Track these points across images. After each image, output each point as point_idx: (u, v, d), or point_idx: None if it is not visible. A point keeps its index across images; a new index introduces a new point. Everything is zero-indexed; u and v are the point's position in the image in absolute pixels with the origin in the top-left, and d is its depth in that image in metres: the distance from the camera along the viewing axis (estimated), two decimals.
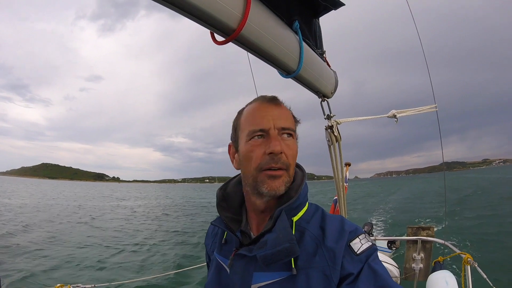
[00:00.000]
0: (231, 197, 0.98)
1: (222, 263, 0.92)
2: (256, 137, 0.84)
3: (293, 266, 0.77)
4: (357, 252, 0.78)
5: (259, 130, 0.84)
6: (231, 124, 0.96)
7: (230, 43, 0.95)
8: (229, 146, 0.96)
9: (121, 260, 9.52)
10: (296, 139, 0.91)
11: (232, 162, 0.94)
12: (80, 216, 20.96)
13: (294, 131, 0.88)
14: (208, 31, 0.95)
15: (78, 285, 2.51)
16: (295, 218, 0.85)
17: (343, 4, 1.29)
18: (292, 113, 0.92)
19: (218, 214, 0.96)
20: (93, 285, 2.59)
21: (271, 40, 1.02)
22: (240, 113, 0.93)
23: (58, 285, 2.44)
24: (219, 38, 0.94)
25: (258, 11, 0.95)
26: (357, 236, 0.81)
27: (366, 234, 0.84)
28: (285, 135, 0.85)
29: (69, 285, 2.46)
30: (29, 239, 12.16)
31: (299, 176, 0.91)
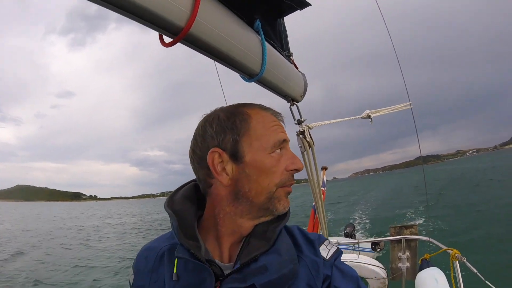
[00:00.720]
0: (182, 216, 0.76)
1: None
2: (278, 150, 0.76)
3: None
4: (327, 258, 0.79)
5: (283, 141, 0.77)
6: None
7: (181, 46, 0.84)
8: (214, 152, 0.73)
9: None
10: None
11: (216, 174, 0.72)
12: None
13: None
14: (157, 34, 0.84)
15: None
16: None
17: (309, 4, 1.21)
18: None
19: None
20: None
21: (228, 39, 0.92)
22: (242, 114, 0.76)
23: None
24: (168, 39, 0.83)
25: (210, 7, 0.85)
26: (322, 243, 0.82)
27: (328, 240, 0.85)
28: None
29: None
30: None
31: None
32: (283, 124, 0.82)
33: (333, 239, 3.98)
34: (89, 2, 0.65)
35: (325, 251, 0.81)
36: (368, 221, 15.74)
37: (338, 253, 0.82)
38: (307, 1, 1.18)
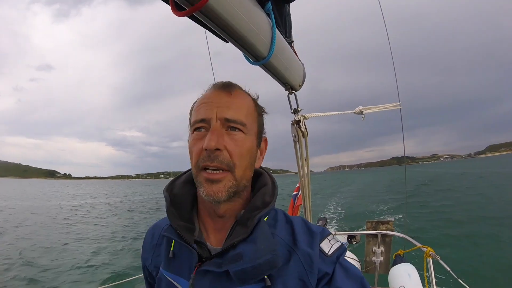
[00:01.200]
0: (180, 199, 0.80)
1: (174, 282, 0.76)
2: (197, 130, 0.72)
3: (265, 277, 0.68)
4: (329, 253, 0.75)
5: (200, 120, 0.71)
6: (186, 117, 0.80)
7: (191, 21, 0.80)
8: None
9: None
10: (259, 133, 0.79)
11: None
12: None
13: (244, 124, 0.73)
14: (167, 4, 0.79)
15: None
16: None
17: None
18: (253, 102, 0.80)
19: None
20: None
21: (242, 17, 0.89)
22: (193, 104, 0.79)
23: None
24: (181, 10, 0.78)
25: None
26: (326, 238, 0.78)
27: (332, 234, 0.81)
28: (231, 129, 0.71)
29: None
30: None
31: (267, 178, 0.82)
32: (228, 97, 0.74)
33: None
34: None
35: (328, 246, 0.77)
36: (342, 214, 16.15)
37: (342, 249, 0.78)
38: None
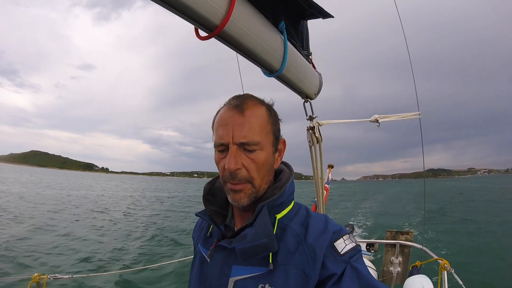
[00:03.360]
0: (218, 191, 0.97)
1: (204, 255, 0.92)
2: (219, 151, 0.84)
3: (270, 261, 0.78)
4: (341, 253, 0.77)
5: (220, 144, 0.83)
6: None
7: (214, 39, 0.96)
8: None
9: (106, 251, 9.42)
10: (275, 140, 0.88)
11: None
12: None
13: (258, 143, 0.81)
14: (193, 26, 0.96)
15: (55, 275, 2.49)
16: (278, 216, 0.85)
17: (332, 16, 1.30)
18: (267, 111, 0.87)
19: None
20: (70, 275, 2.58)
21: (255, 38, 1.03)
22: (215, 116, 0.89)
23: (36, 274, 2.42)
24: (203, 34, 0.95)
25: (242, 9, 0.97)
26: (341, 237, 0.80)
27: (350, 234, 0.83)
28: (247, 150, 0.81)
29: (46, 274, 2.44)
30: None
31: (286, 174, 0.91)
32: (242, 118, 0.82)
33: None
34: None
35: (342, 246, 0.79)
36: (369, 223, 15.86)
37: (356, 250, 0.79)
38: (329, 13, 1.28)
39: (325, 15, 1.29)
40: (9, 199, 20.90)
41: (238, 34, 0.97)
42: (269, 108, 0.89)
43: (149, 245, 10.58)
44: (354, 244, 0.80)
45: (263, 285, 0.77)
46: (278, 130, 0.90)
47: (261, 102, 0.89)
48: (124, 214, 17.84)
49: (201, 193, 0.97)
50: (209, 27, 0.90)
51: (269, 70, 1.26)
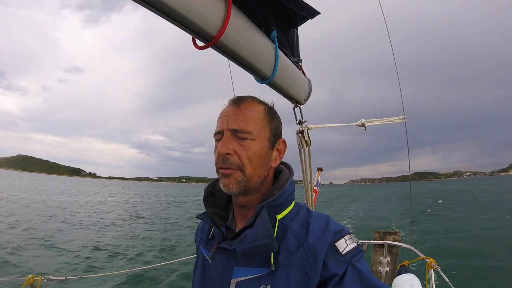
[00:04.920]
0: (219, 193, 0.99)
1: (206, 256, 0.94)
2: (216, 140, 0.90)
3: (271, 262, 0.79)
4: (342, 253, 0.78)
5: (217, 132, 0.89)
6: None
7: (210, 48, 1.02)
8: None
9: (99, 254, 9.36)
10: (272, 136, 0.92)
11: None
12: None
13: (249, 132, 0.86)
14: (190, 36, 1.01)
15: (49, 277, 2.48)
16: (279, 216, 0.86)
17: (319, 13, 1.37)
18: (264, 110, 0.92)
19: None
20: (64, 277, 2.57)
21: (248, 48, 1.09)
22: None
23: (29, 276, 2.41)
24: (200, 43, 1.00)
25: (237, 20, 1.03)
26: (343, 237, 0.81)
27: (352, 234, 0.84)
28: (240, 138, 0.86)
29: (40, 276, 2.43)
30: None
31: (285, 175, 0.93)
32: (237, 110, 0.88)
33: None
34: None
35: (343, 246, 0.79)
36: (356, 223, 16.16)
37: (357, 250, 0.80)
38: (316, 10, 1.35)
39: (313, 13, 1.35)
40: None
41: (233, 44, 1.03)
42: (268, 107, 0.95)
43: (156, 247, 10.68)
44: (356, 244, 0.81)
45: (265, 286, 0.78)
46: (277, 129, 0.95)
47: (260, 101, 0.95)
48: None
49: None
50: (206, 37, 0.95)
51: (261, 77, 1.32)
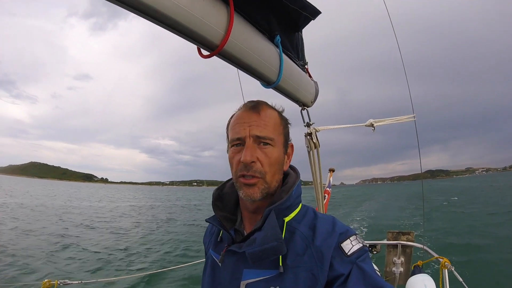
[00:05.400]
0: (227, 196, 1.01)
1: (215, 259, 0.95)
2: (235, 146, 0.89)
3: (280, 264, 0.80)
4: (348, 253, 0.79)
5: (236, 139, 0.88)
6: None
7: (215, 57, 1.03)
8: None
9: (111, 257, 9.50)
10: (285, 142, 0.94)
11: None
12: None
13: (272, 139, 0.88)
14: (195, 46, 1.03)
15: (65, 281, 2.51)
16: (287, 219, 0.88)
17: (320, 12, 1.37)
18: (279, 116, 0.95)
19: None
20: (80, 281, 2.60)
21: (252, 54, 1.10)
22: (229, 119, 0.96)
23: (46, 280, 2.44)
24: (205, 52, 1.02)
25: (240, 27, 1.04)
26: (348, 238, 0.83)
27: (357, 235, 0.85)
28: (262, 144, 0.87)
29: (56, 280, 2.46)
30: None
31: (292, 178, 0.94)
32: (257, 116, 0.89)
33: None
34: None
35: (348, 246, 0.80)
36: (368, 224, 15.98)
37: (362, 250, 0.81)
38: (318, 9, 1.34)
39: (315, 13, 1.35)
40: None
41: (237, 52, 1.04)
42: (280, 113, 0.97)
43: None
44: (361, 245, 0.82)
45: (274, 287, 0.80)
46: (288, 134, 0.97)
47: (273, 107, 0.97)
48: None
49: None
50: (210, 47, 0.97)
51: (266, 82, 1.32)
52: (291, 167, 1.00)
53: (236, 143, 0.89)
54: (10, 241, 10.83)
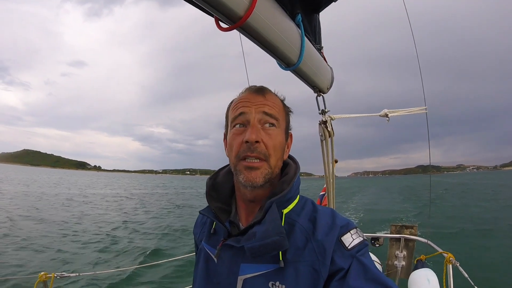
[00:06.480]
0: (221, 186, 0.95)
1: (210, 253, 0.90)
2: (237, 125, 0.84)
3: (280, 259, 0.76)
4: (348, 247, 0.77)
5: (240, 114, 0.83)
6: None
7: (235, 31, 0.94)
8: (224, 135, 0.95)
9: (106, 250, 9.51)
10: (286, 129, 0.90)
11: (225, 150, 0.93)
12: None
13: (277, 119, 0.85)
14: (212, 18, 0.94)
15: (62, 273, 2.46)
16: (285, 211, 0.83)
17: None
18: (282, 103, 0.91)
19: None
20: (77, 274, 2.56)
21: (275, 31, 1.01)
22: (230, 104, 0.92)
23: (42, 273, 2.39)
24: (224, 25, 0.92)
25: (264, 1, 0.94)
26: (349, 231, 0.80)
27: (357, 229, 0.82)
28: (267, 125, 0.83)
29: (53, 273, 2.41)
30: None
31: (292, 168, 0.89)
32: (263, 98, 0.85)
33: None
34: None
35: (349, 240, 0.78)
36: (361, 216, 16.15)
37: (362, 244, 0.79)
38: None
39: None
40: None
41: (261, 26, 0.95)
42: (283, 101, 0.94)
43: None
44: (361, 239, 0.80)
45: (274, 283, 0.76)
46: (289, 122, 0.93)
47: (275, 95, 0.93)
48: None
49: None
50: (232, 18, 0.87)
51: (285, 64, 1.24)
52: (290, 157, 0.95)
53: (239, 122, 0.84)
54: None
